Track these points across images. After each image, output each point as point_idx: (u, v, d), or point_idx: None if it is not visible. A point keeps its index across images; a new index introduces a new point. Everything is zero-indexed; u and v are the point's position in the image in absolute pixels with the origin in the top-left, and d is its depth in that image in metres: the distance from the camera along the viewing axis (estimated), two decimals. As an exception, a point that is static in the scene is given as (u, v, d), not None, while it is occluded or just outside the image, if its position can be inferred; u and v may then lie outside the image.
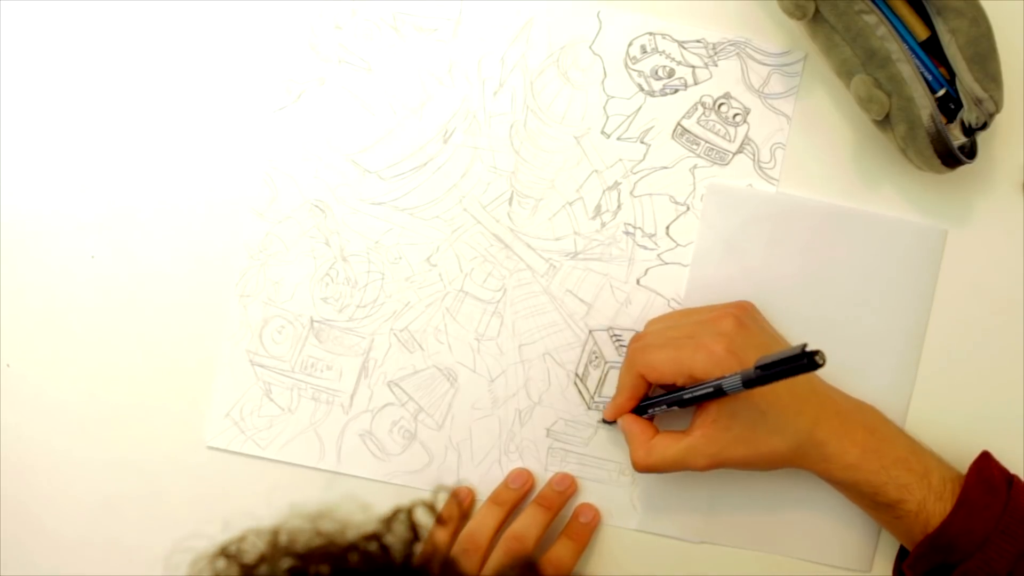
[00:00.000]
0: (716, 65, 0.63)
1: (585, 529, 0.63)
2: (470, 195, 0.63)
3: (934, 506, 0.56)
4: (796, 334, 0.62)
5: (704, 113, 0.63)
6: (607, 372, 0.63)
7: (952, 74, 0.58)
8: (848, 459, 0.57)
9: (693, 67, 0.63)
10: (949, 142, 0.57)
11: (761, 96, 0.63)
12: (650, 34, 0.63)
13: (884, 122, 0.59)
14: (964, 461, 0.59)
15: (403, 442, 0.64)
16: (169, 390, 0.64)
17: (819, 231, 0.62)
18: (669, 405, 0.59)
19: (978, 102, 0.57)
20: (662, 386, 0.60)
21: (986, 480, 0.56)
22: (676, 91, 0.63)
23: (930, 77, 0.59)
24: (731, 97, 0.63)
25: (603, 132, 0.63)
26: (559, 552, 0.61)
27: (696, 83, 0.63)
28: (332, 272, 0.63)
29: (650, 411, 0.60)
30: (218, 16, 0.63)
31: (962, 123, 0.58)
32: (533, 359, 0.63)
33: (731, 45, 0.62)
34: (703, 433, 0.57)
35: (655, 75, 0.63)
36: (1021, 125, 0.63)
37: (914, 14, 0.59)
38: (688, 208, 0.63)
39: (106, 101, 0.63)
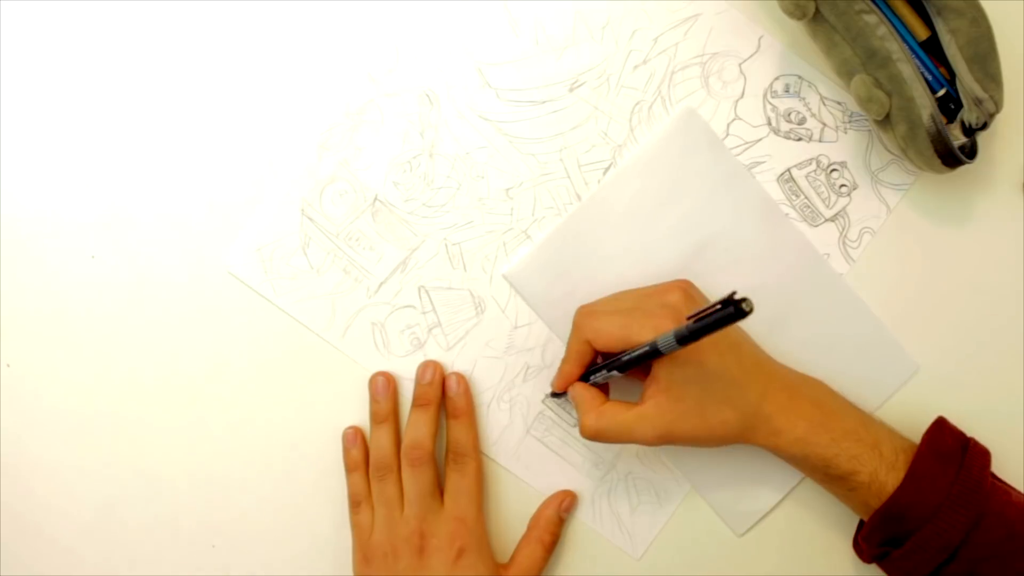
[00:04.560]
0: (846, 132, 0.63)
1: (554, 527, 0.63)
2: (572, 149, 0.63)
3: (887, 476, 0.56)
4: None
5: (815, 171, 0.63)
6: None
7: (952, 74, 0.58)
8: (797, 432, 0.57)
9: (824, 124, 0.63)
10: (949, 142, 0.58)
11: (874, 177, 0.63)
12: (799, 78, 0.63)
13: (884, 122, 0.59)
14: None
15: (409, 348, 0.63)
16: (169, 391, 0.64)
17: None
18: (609, 370, 0.58)
19: (978, 102, 0.57)
20: (604, 356, 0.60)
21: (937, 450, 0.56)
22: (799, 139, 0.63)
23: (930, 77, 0.59)
24: (846, 167, 0.63)
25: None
26: (524, 558, 0.62)
27: (820, 140, 0.63)
28: (414, 162, 0.63)
29: (592, 379, 0.60)
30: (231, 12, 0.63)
31: (962, 123, 0.58)
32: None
33: (867, 121, 0.63)
34: (655, 403, 0.56)
35: (787, 116, 0.63)
36: (1021, 125, 0.63)
37: (914, 14, 0.59)
38: (763, 250, 0.63)
39: (106, 101, 0.63)
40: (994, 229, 0.63)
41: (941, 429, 0.58)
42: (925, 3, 0.58)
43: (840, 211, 0.64)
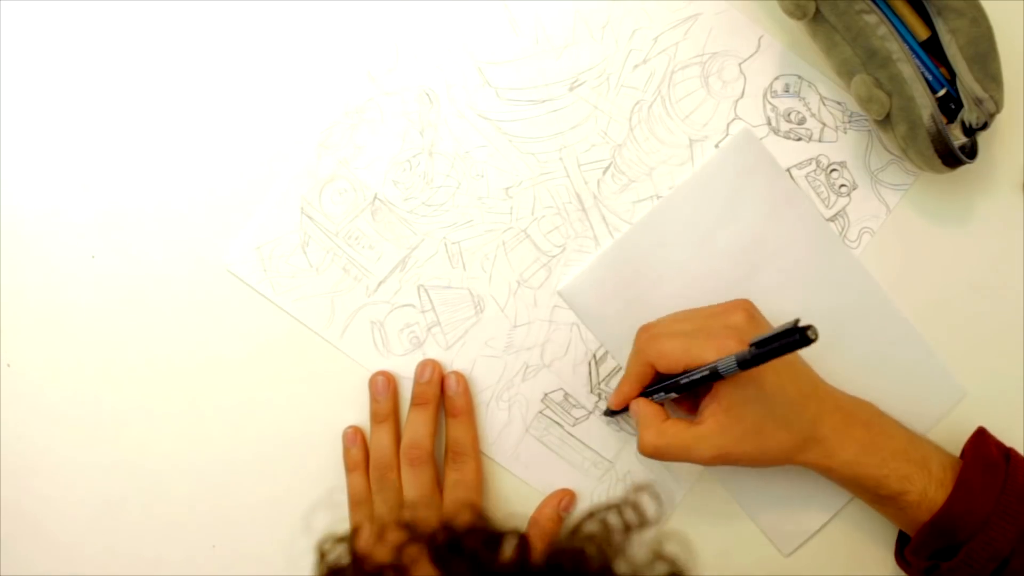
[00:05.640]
0: (846, 132, 0.63)
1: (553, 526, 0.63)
2: (571, 148, 0.63)
3: (936, 493, 0.56)
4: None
5: (815, 171, 0.63)
6: (619, 366, 0.64)
7: (952, 74, 0.58)
8: (847, 455, 0.57)
9: (824, 124, 0.63)
10: (950, 142, 0.58)
11: (873, 178, 0.63)
12: (799, 77, 0.63)
13: (884, 122, 0.59)
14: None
15: (408, 347, 0.63)
16: (169, 390, 0.64)
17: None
18: (667, 391, 0.58)
19: (978, 102, 0.57)
20: (663, 376, 0.60)
21: (983, 458, 0.56)
22: (799, 139, 0.63)
23: (930, 77, 0.59)
24: (845, 167, 0.63)
25: (717, 146, 0.63)
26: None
27: (820, 140, 0.63)
28: (414, 161, 0.63)
29: (653, 399, 0.60)
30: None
31: (962, 123, 0.58)
32: (561, 324, 0.63)
33: (867, 121, 0.63)
34: (716, 421, 0.56)
35: (787, 116, 0.63)
36: (1021, 125, 0.63)
37: (914, 14, 0.59)
38: (763, 250, 0.63)
39: (106, 101, 0.63)
40: (994, 229, 0.63)
41: (984, 439, 0.58)
42: (925, 3, 0.58)
43: (840, 211, 0.64)
